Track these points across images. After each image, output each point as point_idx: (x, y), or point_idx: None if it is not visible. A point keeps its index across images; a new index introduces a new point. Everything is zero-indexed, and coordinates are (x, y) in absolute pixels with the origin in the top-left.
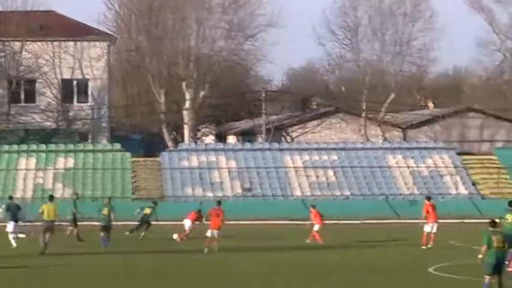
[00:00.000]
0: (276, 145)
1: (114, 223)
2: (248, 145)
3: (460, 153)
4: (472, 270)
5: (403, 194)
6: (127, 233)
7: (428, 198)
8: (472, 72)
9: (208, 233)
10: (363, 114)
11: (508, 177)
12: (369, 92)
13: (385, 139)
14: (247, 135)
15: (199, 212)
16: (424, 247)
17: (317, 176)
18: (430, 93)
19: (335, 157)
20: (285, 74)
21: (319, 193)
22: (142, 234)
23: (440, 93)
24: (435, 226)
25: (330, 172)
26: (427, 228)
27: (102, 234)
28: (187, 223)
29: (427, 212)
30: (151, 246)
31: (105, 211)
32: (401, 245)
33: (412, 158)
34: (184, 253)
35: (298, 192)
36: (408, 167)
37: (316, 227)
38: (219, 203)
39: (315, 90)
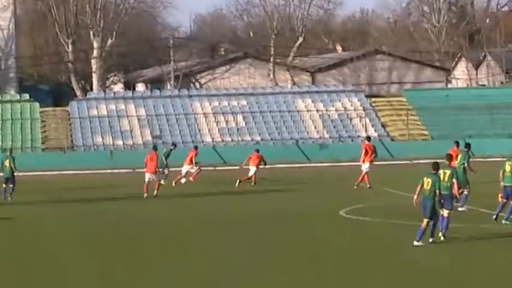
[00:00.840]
0: (185, 92)
1: (16, 174)
2: (157, 92)
3: (368, 96)
4: (382, 213)
5: (313, 138)
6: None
7: (369, 138)
8: (379, 14)
9: (146, 178)
10: (272, 59)
11: (416, 118)
12: (276, 37)
13: (294, 83)
14: (156, 83)
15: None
16: (356, 187)
17: (227, 122)
18: (337, 36)
19: (244, 102)
20: (192, 20)
21: (229, 139)
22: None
23: (348, 37)
24: (367, 166)
25: (240, 118)
26: (364, 168)
27: (4, 185)
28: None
29: (366, 151)
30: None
31: (6, 163)
32: (312, 188)
33: (321, 101)
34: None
35: (208, 139)
36: (317, 110)
37: (253, 170)
38: (154, 147)
39: (223, 36)
